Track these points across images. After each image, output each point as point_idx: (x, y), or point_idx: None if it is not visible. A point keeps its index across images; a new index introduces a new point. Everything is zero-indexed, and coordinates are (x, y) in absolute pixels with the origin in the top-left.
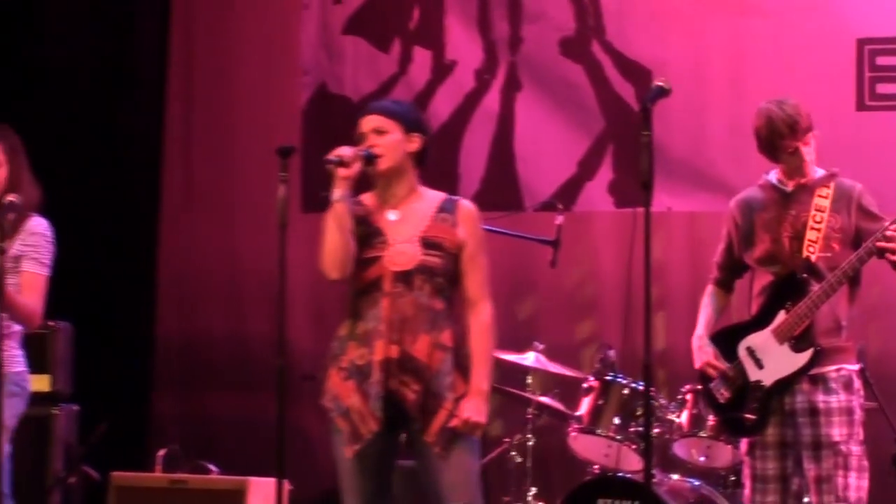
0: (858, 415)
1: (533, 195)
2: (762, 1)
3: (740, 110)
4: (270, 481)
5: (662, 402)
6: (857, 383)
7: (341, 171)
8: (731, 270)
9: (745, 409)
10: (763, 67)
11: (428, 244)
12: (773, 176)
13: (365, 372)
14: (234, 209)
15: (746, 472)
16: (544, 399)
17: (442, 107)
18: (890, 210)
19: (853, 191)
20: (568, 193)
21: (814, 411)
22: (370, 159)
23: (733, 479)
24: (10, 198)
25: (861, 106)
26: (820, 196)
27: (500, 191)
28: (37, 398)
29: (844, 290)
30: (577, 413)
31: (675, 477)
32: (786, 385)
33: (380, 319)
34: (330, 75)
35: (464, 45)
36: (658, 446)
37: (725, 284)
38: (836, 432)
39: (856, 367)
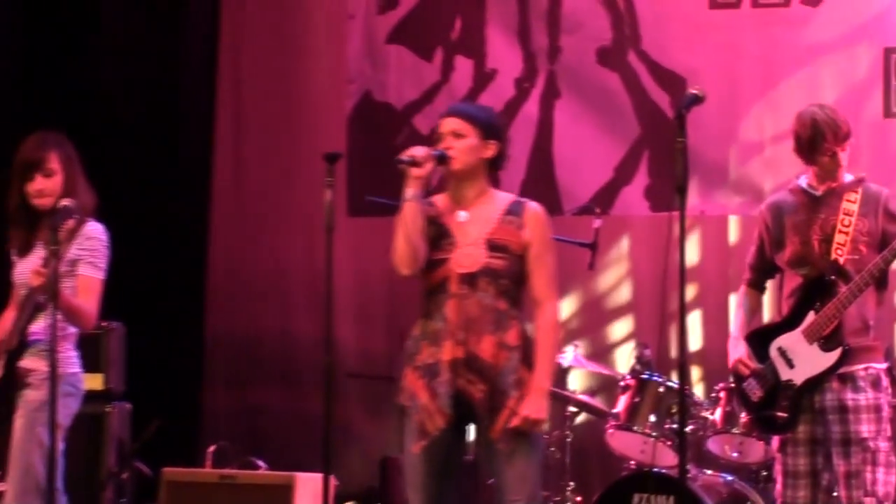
0: (886, 412)
1: (571, 199)
2: (792, 12)
3: (771, 117)
4: (317, 476)
5: (697, 399)
6: (885, 381)
7: (414, 171)
8: (763, 272)
9: (776, 407)
10: (793, 76)
11: (493, 246)
12: (804, 180)
13: (434, 371)
14: (282, 212)
15: (778, 467)
16: (582, 397)
17: None
18: None
19: (880, 195)
20: (605, 198)
21: (843, 409)
22: (442, 159)
23: (765, 474)
24: (65, 202)
25: (888, 113)
26: (848, 200)
27: (540, 195)
28: (90, 396)
29: (871, 291)
30: (615, 410)
31: (709, 472)
32: (816, 383)
33: (446, 320)
34: (374, 83)
35: (504, 55)
36: (692, 442)
37: (757, 285)
38: (865, 429)
39: (883, 365)
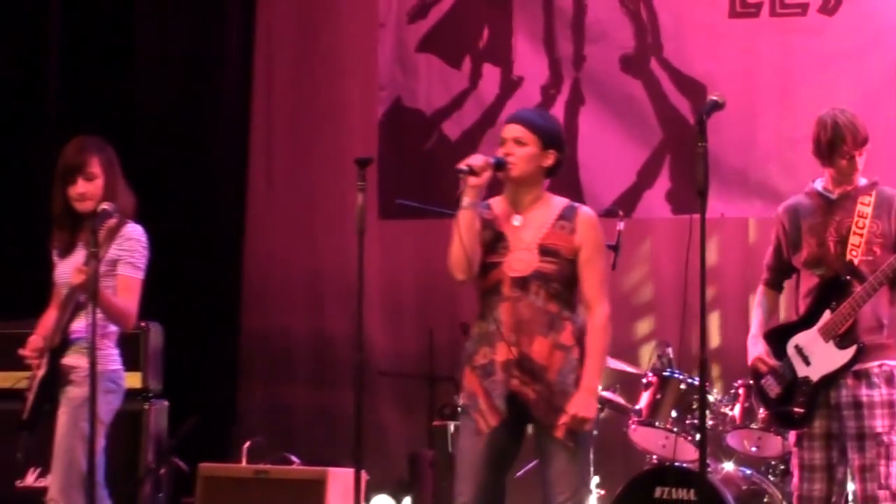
0: None
1: (595, 203)
2: (809, 21)
3: (789, 123)
4: (348, 471)
5: (717, 396)
6: None
7: (471, 180)
8: (781, 272)
9: (793, 403)
10: (810, 83)
11: (545, 251)
12: (819, 184)
13: (489, 371)
14: (314, 215)
15: (795, 461)
16: (606, 393)
17: None
18: None
19: (893, 199)
20: (628, 201)
21: (857, 404)
22: (501, 166)
23: (782, 468)
24: (105, 206)
25: None
26: (862, 203)
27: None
28: (129, 394)
29: (885, 290)
30: (637, 407)
31: (729, 466)
32: (831, 380)
33: (499, 322)
34: (405, 90)
35: (531, 63)
36: (712, 437)
37: (775, 285)
38: (879, 424)
39: None
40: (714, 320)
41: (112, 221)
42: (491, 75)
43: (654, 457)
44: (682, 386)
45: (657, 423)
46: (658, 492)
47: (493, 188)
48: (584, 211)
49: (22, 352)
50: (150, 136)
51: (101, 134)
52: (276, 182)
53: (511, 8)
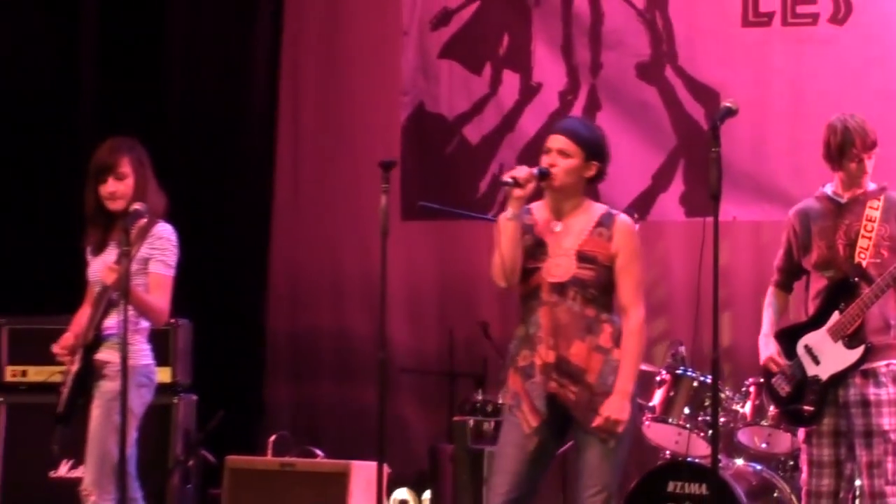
0: None
1: (611, 205)
2: (819, 30)
3: (800, 129)
4: (371, 464)
5: (728, 393)
6: None
7: (516, 192)
8: (791, 273)
9: (803, 401)
10: (820, 90)
11: (583, 258)
12: (829, 188)
13: (528, 372)
14: (339, 216)
15: (804, 457)
16: None
17: (528, 125)
18: None
19: None
20: (643, 204)
21: (865, 403)
22: (544, 176)
23: (792, 464)
24: (136, 206)
25: None
26: (871, 207)
27: None
28: (159, 388)
29: (892, 292)
30: (651, 403)
31: (740, 462)
32: (840, 379)
33: (539, 326)
34: (427, 95)
35: (549, 69)
36: (724, 434)
37: (785, 286)
38: (886, 422)
39: None
40: (726, 320)
41: (143, 221)
42: (511, 81)
43: (668, 452)
44: (695, 384)
45: (670, 420)
46: (671, 486)
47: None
48: (622, 219)
49: (55, 349)
50: (180, 138)
51: (133, 136)
52: (301, 185)
53: (530, 16)
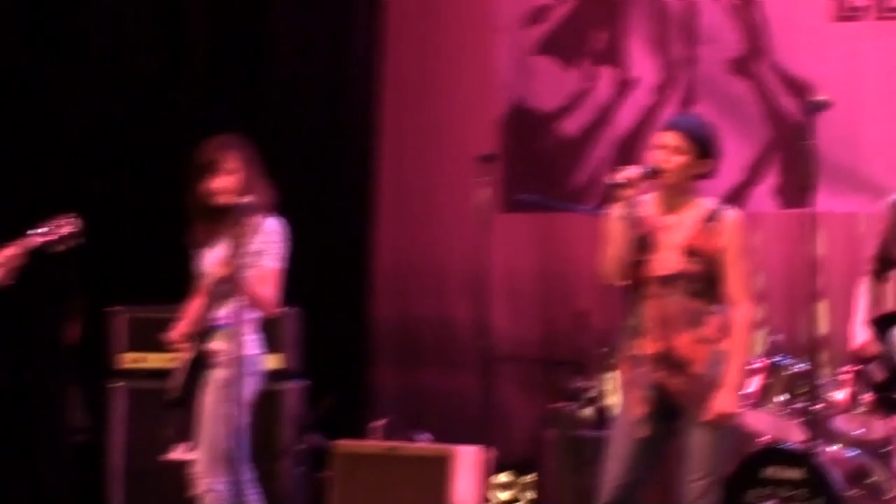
0: None
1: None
2: None
3: (893, 121)
4: (474, 449)
5: (824, 381)
6: None
7: (627, 192)
8: (884, 263)
9: None
10: None
11: (690, 252)
12: None
13: (636, 362)
14: (440, 208)
15: None
16: None
17: (624, 119)
18: None
19: None
20: (738, 196)
21: None
22: (655, 174)
23: (887, 449)
24: (245, 200)
25: None
26: None
27: None
28: (270, 375)
29: None
30: (748, 390)
31: (835, 447)
32: None
33: (647, 317)
34: (523, 90)
35: (644, 64)
36: (820, 420)
37: (880, 276)
38: None
39: None
40: (821, 309)
41: (253, 215)
42: (606, 76)
43: (765, 438)
44: (792, 371)
45: (767, 407)
46: (770, 471)
47: None
48: (729, 214)
49: (170, 337)
50: (285, 133)
51: (238, 130)
52: (403, 178)
53: (626, 12)
